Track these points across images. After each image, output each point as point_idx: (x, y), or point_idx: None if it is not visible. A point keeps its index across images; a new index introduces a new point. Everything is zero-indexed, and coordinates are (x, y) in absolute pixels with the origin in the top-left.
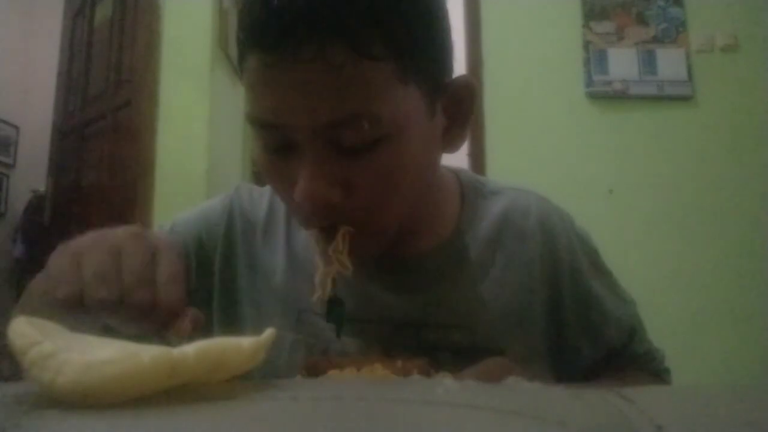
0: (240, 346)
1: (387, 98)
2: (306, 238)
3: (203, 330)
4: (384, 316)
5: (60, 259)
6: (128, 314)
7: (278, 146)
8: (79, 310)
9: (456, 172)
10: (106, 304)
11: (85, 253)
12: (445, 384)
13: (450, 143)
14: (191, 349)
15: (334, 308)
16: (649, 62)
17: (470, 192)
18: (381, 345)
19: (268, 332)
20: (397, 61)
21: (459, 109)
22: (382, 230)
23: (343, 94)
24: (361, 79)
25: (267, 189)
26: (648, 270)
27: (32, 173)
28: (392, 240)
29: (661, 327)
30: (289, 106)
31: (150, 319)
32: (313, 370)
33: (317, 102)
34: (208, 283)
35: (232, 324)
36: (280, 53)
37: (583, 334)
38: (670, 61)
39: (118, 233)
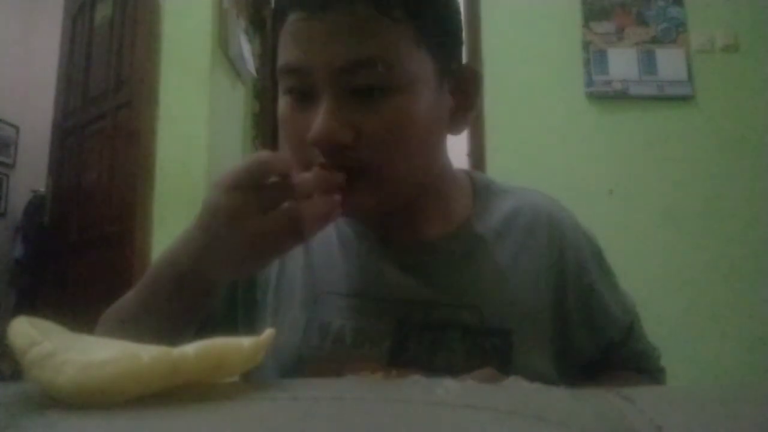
0: (240, 346)
1: (401, 53)
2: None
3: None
4: (396, 295)
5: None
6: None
7: (300, 95)
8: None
9: (468, 173)
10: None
11: None
12: (445, 384)
13: (455, 125)
14: (191, 349)
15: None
16: (649, 62)
17: (482, 190)
18: (393, 323)
19: (268, 332)
20: (414, 27)
21: (465, 93)
22: (383, 183)
23: (362, 41)
24: (380, 33)
25: None
26: (648, 270)
27: (32, 173)
28: (394, 203)
29: (661, 327)
30: (314, 51)
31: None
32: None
33: (339, 46)
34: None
35: (252, 314)
36: (314, 8)
37: (584, 328)
38: (670, 61)
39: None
